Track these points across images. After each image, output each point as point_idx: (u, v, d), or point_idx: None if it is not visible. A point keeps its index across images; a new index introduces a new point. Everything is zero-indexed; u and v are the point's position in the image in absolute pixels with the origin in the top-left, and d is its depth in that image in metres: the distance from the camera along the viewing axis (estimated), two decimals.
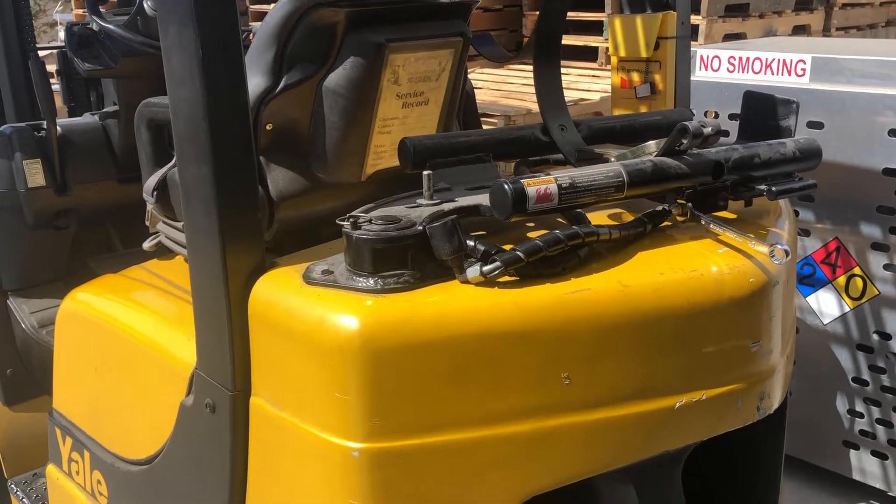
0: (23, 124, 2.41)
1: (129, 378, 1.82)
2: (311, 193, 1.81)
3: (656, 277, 1.30)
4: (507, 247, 1.26)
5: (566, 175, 1.31)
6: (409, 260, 1.25)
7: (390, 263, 1.25)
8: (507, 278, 1.26)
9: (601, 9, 4.76)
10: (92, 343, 1.95)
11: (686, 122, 1.38)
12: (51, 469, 2.32)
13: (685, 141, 1.38)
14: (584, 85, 4.37)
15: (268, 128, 1.74)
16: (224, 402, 1.40)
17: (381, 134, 1.80)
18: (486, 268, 1.22)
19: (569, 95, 4.08)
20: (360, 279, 1.25)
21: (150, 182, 1.85)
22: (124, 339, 1.80)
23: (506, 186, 1.26)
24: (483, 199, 1.42)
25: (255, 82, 1.71)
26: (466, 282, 1.25)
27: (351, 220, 1.28)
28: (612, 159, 1.51)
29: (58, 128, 2.34)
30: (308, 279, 1.29)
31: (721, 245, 1.38)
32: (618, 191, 1.34)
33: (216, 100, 1.27)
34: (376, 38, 1.66)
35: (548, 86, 1.70)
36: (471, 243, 1.27)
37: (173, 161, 1.83)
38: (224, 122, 1.29)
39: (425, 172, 1.39)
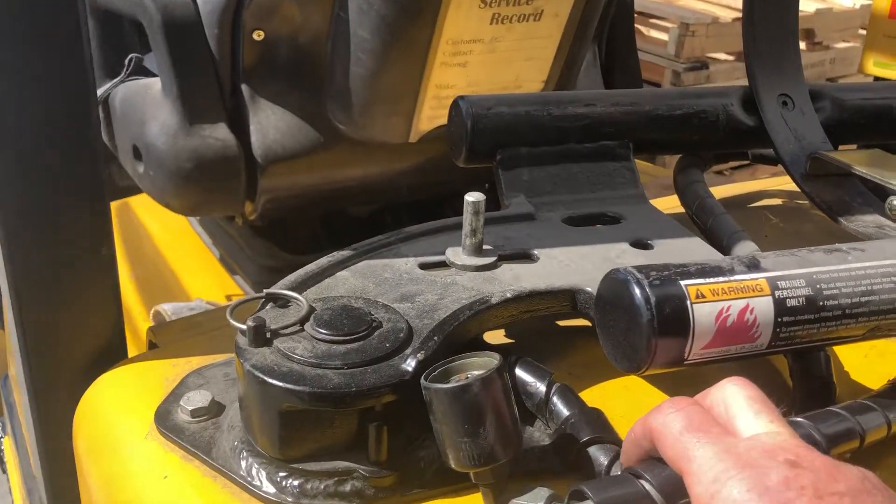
0: None
1: None
2: (324, 154, 1.08)
3: None
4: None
5: (799, 277, 0.52)
6: (372, 438, 0.51)
7: (322, 439, 0.52)
8: None
9: None
10: None
11: None
12: None
13: None
14: None
15: (255, 37, 1.02)
16: None
17: (450, 67, 1.03)
18: None
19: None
20: (253, 463, 0.53)
21: None
22: None
23: (635, 291, 0.49)
24: (595, 254, 0.66)
25: None
26: None
27: (265, 304, 0.55)
28: None
29: None
30: (163, 421, 0.58)
31: None
32: None
33: None
34: None
35: (769, 15, 0.85)
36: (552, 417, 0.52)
37: (124, 72, 1.14)
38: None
39: (468, 198, 0.62)
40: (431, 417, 0.48)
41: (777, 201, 0.98)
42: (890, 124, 0.88)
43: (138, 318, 1.14)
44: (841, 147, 0.87)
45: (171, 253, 1.34)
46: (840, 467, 0.39)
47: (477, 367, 0.50)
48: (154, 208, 1.38)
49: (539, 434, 0.57)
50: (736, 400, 0.43)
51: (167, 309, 1.03)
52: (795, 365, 0.61)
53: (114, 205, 1.56)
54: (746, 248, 0.72)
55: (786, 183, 1.05)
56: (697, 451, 0.41)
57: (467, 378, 0.47)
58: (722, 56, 2.96)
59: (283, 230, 1.21)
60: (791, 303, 0.51)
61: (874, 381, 0.65)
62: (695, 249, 0.69)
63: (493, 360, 0.49)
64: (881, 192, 0.80)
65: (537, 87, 1.12)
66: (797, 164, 0.81)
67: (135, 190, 1.47)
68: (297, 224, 1.23)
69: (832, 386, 0.59)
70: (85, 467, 0.63)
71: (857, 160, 0.78)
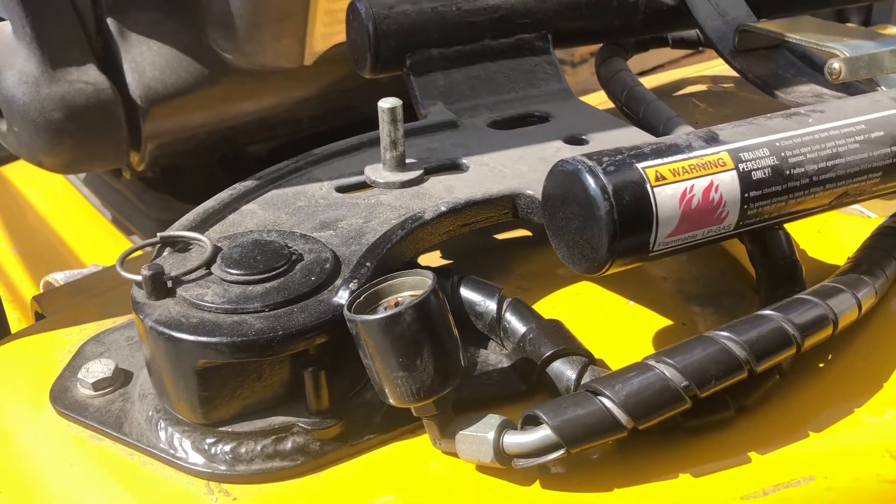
0: None
1: None
2: (211, 89, 0.98)
3: None
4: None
5: (762, 146, 0.47)
6: (309, 385, 0.44)
7: (250, 395, 0.45)
8: None
9: None
10: None
11: None
12: None
13: None
14: None
15: None
16: None
17: None
18: (515, 439, 0.42)
19: None
20: (174, 433, 0.46)
21: None
22: None
23: (588, 180, 0.43)
24: (530, 156, 0.60)
25: None
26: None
27: (162, 251, 0.47)
28: (838, 65, 0.64)
29: None
30: (60, 400, 0.50)
31: None
32: (886, 180, 0.50)
33: None
34: None
35: None
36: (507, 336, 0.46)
37: None
38: None
39: (383, 104, 0.55)
40: (360, 352, 0.41)
41: (701, 87, 0.94)
42: None
43: (27, 293, 1.03)
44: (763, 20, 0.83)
45: (56, 220, 1.22)
46: None
47: (408, 287, 0.43)
48: (32, 174, 1.25)
49: (495, 356, 0.51)
50: None
51: (58, 278, 0.92)
52: (755, 248, 0.57)
53: None
54: (686, 132, 0.67)
55: (706, 69, 1.01)
56: None
57: (397, 305, 0.41)
58: None
59: (177, 179, 1.11)
60: (757, 175, 0.46)
61: (834, 256, 0.62)
62: (634, 139, 0.63)
63: (426, 279, 0.42)
64: (810, 62, 0.76)
65: None
66: (724, 41, 0.76)
67: (8, 159, 1.33)
68: (193, 170, 1.13)
69: (798, 265, 0.55)
70: None
71: (789, 28, 0.73)
